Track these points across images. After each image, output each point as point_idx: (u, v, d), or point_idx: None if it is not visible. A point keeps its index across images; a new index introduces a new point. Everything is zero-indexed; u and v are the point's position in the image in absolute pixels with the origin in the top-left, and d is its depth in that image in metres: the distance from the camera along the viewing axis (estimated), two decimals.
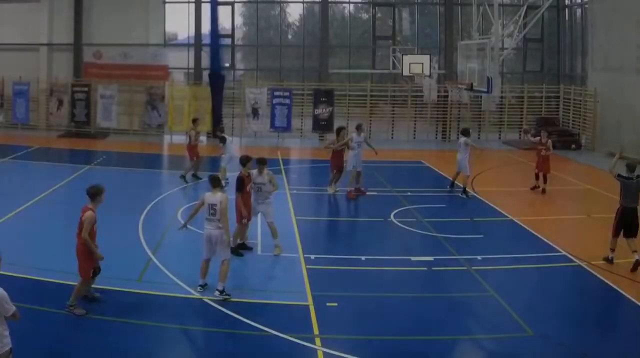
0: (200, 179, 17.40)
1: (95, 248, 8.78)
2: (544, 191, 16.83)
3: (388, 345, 8.06)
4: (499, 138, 27.72)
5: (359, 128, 16.70)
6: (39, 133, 26.72)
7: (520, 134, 27.06)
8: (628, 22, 22.53)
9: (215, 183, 9.56)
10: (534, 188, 17.03)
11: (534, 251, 11.72)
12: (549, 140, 17.14)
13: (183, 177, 17.58)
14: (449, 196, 16.42)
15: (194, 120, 18.85)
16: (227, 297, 9.12)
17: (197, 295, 9.31)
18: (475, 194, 16.40)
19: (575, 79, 28.03)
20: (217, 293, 9.16)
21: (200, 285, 9.44)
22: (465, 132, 16.81)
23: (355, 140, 16.29)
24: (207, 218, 9.39)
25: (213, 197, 9.38)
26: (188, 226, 9.96)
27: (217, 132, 18.76)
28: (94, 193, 9.13)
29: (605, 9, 24.28)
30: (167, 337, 8.20)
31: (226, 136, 17.92)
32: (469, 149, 16.50)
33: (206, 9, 27.03)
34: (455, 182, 16.83)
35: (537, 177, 17.06)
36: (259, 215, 11.63)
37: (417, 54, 26.62)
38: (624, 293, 9.62)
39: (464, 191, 16.21)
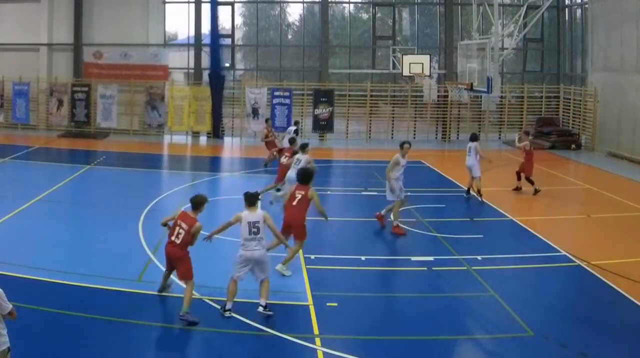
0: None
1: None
2: (518, 189, 16.69)
3: (388, 345, 8.06)
4: (499, 138, 27.73)
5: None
6: (39, 133, 26.73)
7: (519, 136, 27.05)
8: (628, 22, 22.53)
9: (253, 200, 8.88)
10: (517, 189, 16.91)
11: (534, 251, 11.72)
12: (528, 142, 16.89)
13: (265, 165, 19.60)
14: (449, 196, 16.41)
15: (267, 120, 21.65)
16: (269, 313, 8.57)
17: (197, 295, 9.30)
18: (476, 195, 16.40)
19: (575, 79, 28.03)
20: (260, 308, 8.59)
21: (228, 309, 8.68)
22: (474, 138, 16.40)
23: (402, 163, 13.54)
24: (247, 238, 8.65)
25: (253, 215, 8.73)
26: (207, 241, 9.24)
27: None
28: (199, 203, 8.89)
29: (605, 9, 24.28)
30: (167, 337, 8.20)
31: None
32: (478, 153, 16.10)
33: (206, 9, 27.07)
34: (471, 189, 16.16)
35: (519, 178, 16.91)
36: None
37: (417, 54, 26.62)
38: (624, 293, 9.62)
39: (468, 191, 16.15)
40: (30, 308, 8.18)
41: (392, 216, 12.94)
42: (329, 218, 11.17)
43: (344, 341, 8.12)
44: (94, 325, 8.21)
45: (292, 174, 13.10)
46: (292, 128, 20.04)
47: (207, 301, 9.12)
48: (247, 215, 8.70)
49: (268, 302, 8.67)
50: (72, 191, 16.62)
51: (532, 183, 16.54)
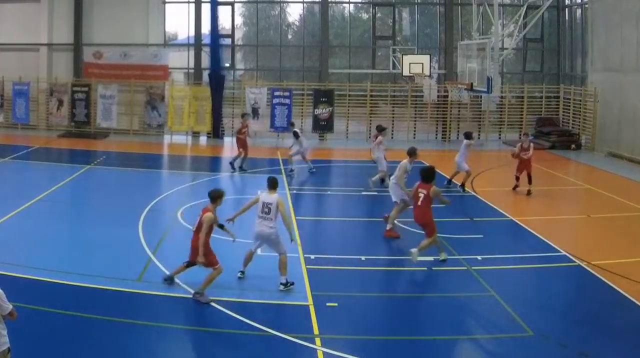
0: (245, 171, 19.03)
1: (209, 248, 9.26)
2: (529, 192, 16.61)
3: (388, 345, 8.06)
4: (499, 138, 27.73)
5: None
6: (39, 133, 26.73)
7: (520, 136, 27.05)
8: (628, 22, 22.53)
9: (274, 184, 9.81)
10: (515, 188, 16.95)
11: (534, 251, 11.72)
12: (531, 144, 16.97)
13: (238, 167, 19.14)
14: (449, 196, 16.36)
15: (243, 115, 20.78)
16: (291, 286, 9.53)
17: None
18: (475, 194, 16.41)
19: (575, 79, 28.03)
20: (281, 287, 9.51)
21: (240, 271, 9.98)
22: (467, 136, 17.16)
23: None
24: (259, 215, 9.67)
25: (269, 196, 9.67)
26: (230, 223, 9.83)
27: (290, 127, 20.41)
28: (216, 196, 9.37)
29: (605, 9, 24.28)
30: (167, 337, 8.20)
31: (298, 131, 19.48)
32: (468, 150, 16.80)
33: (206, 9, 27.07)
34: (452, 180, 17.20)
35: (517, 179, 16.97)
36: None
37: (417, 54, 26.61)
38: (624, 293, 9.62)
39: (463, 187, 16.60)
40: (30, 308, 8.19)
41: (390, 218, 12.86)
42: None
43: (344, 341, 8.12)
44: (94, 325, 8.21)
45: None
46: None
47: None
48: (264, 196, 9.70)
49: (268, 301, 8.72)
50: (72, 191, 16.62)
51: (530, 181, 16.71)
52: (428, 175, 11.30)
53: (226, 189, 15.27)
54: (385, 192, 16.73)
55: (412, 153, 13.15)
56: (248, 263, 10.06)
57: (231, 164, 19.41)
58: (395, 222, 13.66)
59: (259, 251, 10.12)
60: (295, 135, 19.12)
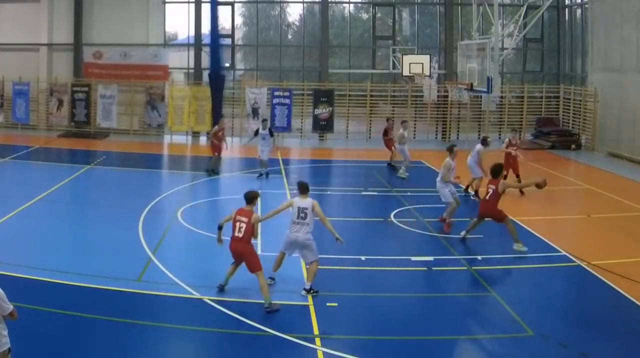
0: (218, 174, 18.55)
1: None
2: (522, 192, 16.57)
3: (388, 345, 8.06)
4: (499, 138, 27.70)
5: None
6: (39, 133, 26.73)
7: (520, 135, 27.04)
8: (628, 22, 22.53)
9: (305, 188, 9.67)
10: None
11: (534, 251, 11.71)
12: (518, 141, 17.00)
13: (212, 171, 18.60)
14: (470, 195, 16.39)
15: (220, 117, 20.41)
16: (315, 293, 9.41)
17: (197, 295, 9.31)
18: (476, 196, 16.42)
19: (575, 79, 28.03)
20: (304, 292, 9.41)
21: (270, 278, 9.68)
22: (483, 142, 16.37)
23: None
24: (295, 221, 9.52)
25: (303, 201, 9.53)
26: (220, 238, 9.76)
27: (263, 124, 19.36)
28: (252, 197, 9.48)
29: (605, 9, 24.28)
30: (167, 337, 8.19)
31: (272, 130, 19.31)
32: (479, 156, 16.10)
33: (206, 9, 27.04)
34: (469, 188, 16.51)
35: (505, 177, 16.92)
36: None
37: (417, 54, 26.61)
38: (624, 293, 9.62)
39: (466, 189, 16.26)
40: (30, 308, 8.18)
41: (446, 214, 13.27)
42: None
43: (344, 341, 8.12)
44: (94, 325, 8.21)
45: None
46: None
47: (207, 301, 9.12)
48: (299, 201, 9.54)
49: (272, 301, 8.72)
50: (72, 191, 16.62)
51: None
52: (497, 171, 12.07)
53: (224, 190, 15.36)
54: (387, 192, 16.76)
55: (451, 150, 13.68)
56: (279, 267, 9.89)
57: (208, 170, 18.75)
58: (395, 221, 13.69)
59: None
60: (271, 133, 18.65)
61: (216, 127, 19.16)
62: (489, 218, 12.01)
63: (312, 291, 9.43)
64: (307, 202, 9.54)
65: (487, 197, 11.90)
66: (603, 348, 7.91)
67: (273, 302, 8.87)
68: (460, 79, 24.44)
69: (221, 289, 9.44)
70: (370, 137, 26.99)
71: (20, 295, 7.38)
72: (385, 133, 20.85)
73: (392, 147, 19.97)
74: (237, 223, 9.19)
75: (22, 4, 27.61)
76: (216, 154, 18.78)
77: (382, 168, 19.73)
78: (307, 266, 9.75)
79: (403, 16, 30.77)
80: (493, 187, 11.84)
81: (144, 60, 27.28)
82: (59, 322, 8.27)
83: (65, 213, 14.31)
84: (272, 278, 9.77)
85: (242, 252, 9.20)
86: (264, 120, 19.46)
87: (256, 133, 18.89)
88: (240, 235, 9.15)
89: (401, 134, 19.09)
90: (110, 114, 27.02)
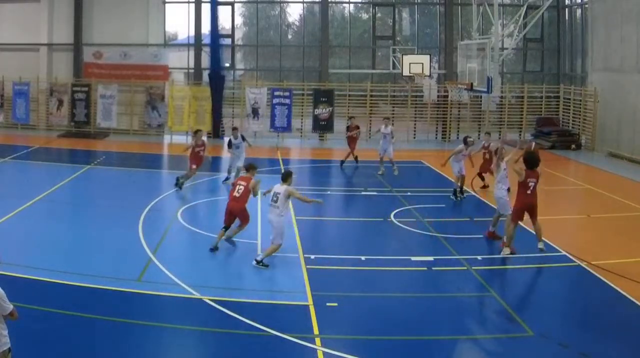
0: (180, 188, 16.23)
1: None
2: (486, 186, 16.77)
3: (388, 345, 8.05)
4: (499, 138, 27.67)
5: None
6: (39, 133, 26.73)
7: (520, 136, 27.03)
8: (628, 22, 22.53)
9: (284, 176, 10.96)
10: (483, 187, 16.96)
11: (534, 251, 11.71)
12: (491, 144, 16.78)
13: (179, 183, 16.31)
14: (449, 196, 16.40)
15: (196, 132, 17.28)
16: (265, 266, 10.49)
17: (197, 295, 9.31)
18: (476, 194, 16.43)
19: (575, 79, 28.03)
20: (254, 262, 10.56)
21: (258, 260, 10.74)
22: (465, 142, 16.30)
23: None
24: (270, 204, 10.82)
25: (279, 187, 10.73)
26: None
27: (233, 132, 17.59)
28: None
29: (605, 9, 24.28)
30: (167, 337, 8.20)
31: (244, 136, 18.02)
32: (460, 155, 16.09)
33: (206, 9, 27.06)
34: (464, 187, 16.37)
35: (482, 178, 17.07)
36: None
37: (417, 54, 26.60)
38: (624, 293, 9.62)
39: (455, 192, 16.04)
40: (30, 308, 8.17)
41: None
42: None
43: (344, 341, 8.12)
44: (94, 325, 8.21)
45: None
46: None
47: (207, 301, 9.12)
48: (277, 187, 10.81)
49: (268, 301, 8.76)
50: (72, 191, 16.62)
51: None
52: (534, 161, 11.22)
53: (224, 190, 15.31)
54: (387, 192, 16.76)
55: (465, 141, 15.47)
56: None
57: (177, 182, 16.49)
58: (395, 221, 13.70)
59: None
60: (243, 138, 17.45)
61: (192, 142, 16.84)
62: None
63: (261, 263, 10.52)
64: (282, 188, 10.69)
65: (530, 192, 11.09)
66: (603, 348, 7.91)
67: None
68: (460, 79, 24.41)
69: (214, 249, 11.23)
70: (370, 137, 26.95)
71: (20, 295, 7.37)
72: (348, 130, 20.96)
73: (353, 146, 20.21)
74: (237, 186, 11.36)
75: (22, 4, 27.60)
76: (193, 166, 16.42)
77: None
78: (270, 244, 10.78)
79: (403, 16, 30.77)
80: (534, 180, 11.13)
81: (144, 60, 27.28)
82: (59, 322, 8.27)
83: (65, 213, 14.31)
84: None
85: (237, 210, 11.37)
86: (234, 129, 17.69)
87: (230, 145, 17.35)
88: (238, 195, 11.33)
89: (379, 128, 19.46)
90: (110, 114, 27.02)
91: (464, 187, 16.25)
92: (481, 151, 17.02)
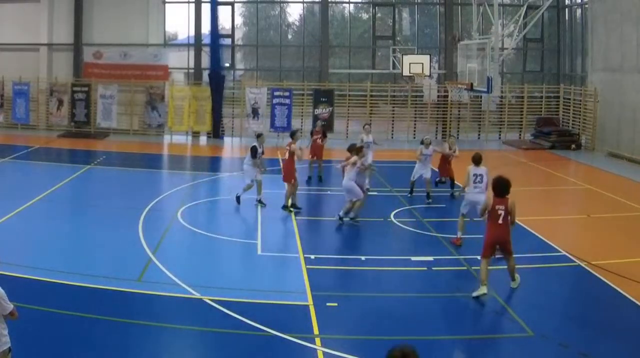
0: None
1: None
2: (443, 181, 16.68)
3: (388, 345, 7.96)
4: (499, 138, 27.73)
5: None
6: (39, 133, 26.73)
7: (519, 136, 27.03)
8: (628, 22, 22.53)
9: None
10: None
11: (534, 251, 11.71)
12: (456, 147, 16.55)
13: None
14: (449, 196, 16.41)
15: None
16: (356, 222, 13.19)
17: (197, 295, 9.31)
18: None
19: (575, 79, 28.03)
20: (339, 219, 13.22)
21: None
22: (422, 142, 16.14)
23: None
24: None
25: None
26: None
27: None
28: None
29: (605, 9, 24.28)
30: (167, 337, 8.20)
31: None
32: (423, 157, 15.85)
33: (206, 9, 27.07)
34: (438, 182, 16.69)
35: (442, 182, 16.97)
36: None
37: (417, 54, 26.62)
38: (624, 293, 9.61)
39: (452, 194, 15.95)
40: (30, 308, 8.17)
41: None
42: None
43: (344, 341, 8.11)
44: (94, 325, 8.20)
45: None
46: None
47: (207, 301, 9.12)
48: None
49: (268, 301, 8.79)
50: (72, 191, 16.62)
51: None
52: (503, 188, 9.34)
53: (225, 190, 15.32)
54: (387, 192, 16.75)
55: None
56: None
57: None
58: (395, 221, 13.69)
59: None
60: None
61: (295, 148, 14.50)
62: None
63: (351, 219, 13.19)
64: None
65: (500, 221, 9.31)
66: (603, 348, 7.91)
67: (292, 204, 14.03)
68: (460, 79, 24.44)
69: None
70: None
71: (20, 295, 7.36)
72: (311, 135, 18.71)
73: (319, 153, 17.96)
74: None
75: (22, 4, 27.61)
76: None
77: (382, 168, 19.70)
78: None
79: (403, 16, 30.78)
80: (503, 207, 9.30)
81: (144, 60, 27.29)
82: (59, 322, 8.27)
83: (65, 214, 14.31)
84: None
85: (284, 168, 14.56)
86: (259, 136, 15.25)
87: (255, 154, 14.74)
88: (285, 158, 14.34)
89: (360, 137, 16.88)
90: (110, 114, 27.03)
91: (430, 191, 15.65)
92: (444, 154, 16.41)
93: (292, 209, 14.05)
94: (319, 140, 18.22)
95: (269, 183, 17.35)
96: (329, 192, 17.01)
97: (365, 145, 15.91)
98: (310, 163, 18.51)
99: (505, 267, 9.96)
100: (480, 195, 11.58)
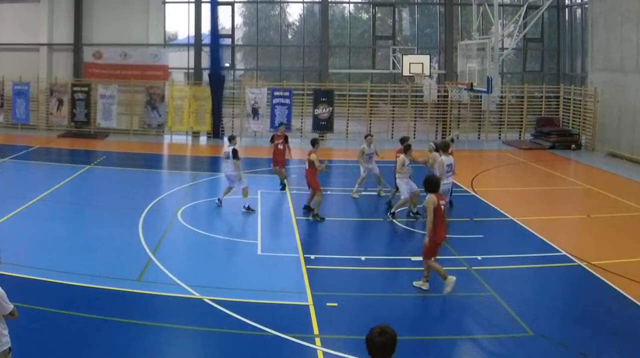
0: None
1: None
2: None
3: None
4: (499, 138, 27.73)
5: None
6: (39, 133, 26.73)
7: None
8: (628, 22, 22.53)
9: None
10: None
11: (534, 251, 11.72)
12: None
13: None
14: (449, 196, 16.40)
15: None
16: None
17: (197, 295, 9.31)
18: (476, 194, 16.42)
19: (575, 79, 28.03)
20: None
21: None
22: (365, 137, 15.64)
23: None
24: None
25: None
26: None
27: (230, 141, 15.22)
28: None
29: (605, 9, 24.28)
30: (167, 337, 8.20)
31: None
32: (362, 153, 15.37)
33: (206, 9, 27.07)
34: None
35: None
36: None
37: (417, 54, 26.62)
38: (624, 293, 9.62)
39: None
40: (30, 308, 8.17)
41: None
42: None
43: (344, 341, 8.11)
44: (94, 325, 8.21)
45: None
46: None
47: (207, 301, 9.12)
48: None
49: (268, 301, 8.80)
50: (72, 191, 16.62)
51: None
52: (435, 185, 9.67)
53: (224, 190, 15.31)
54: (387, 192, 16.75)
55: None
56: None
57: None
58: (395, 221, 13.70)
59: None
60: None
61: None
62: None
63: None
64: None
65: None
66: (603, 348, 7.91)
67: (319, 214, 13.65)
68: (460, 79, 24.45)
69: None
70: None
71: (20, 295, 7.36)
72: (272, 140, 17.30)
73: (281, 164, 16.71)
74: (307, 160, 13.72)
75: (22, 4, 27.62)
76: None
77: (382, 168, 19.71)
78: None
79: (403, 16, 30.78)
80: (443, 202, 9.70)
81: (144, 60, 27.30)
82: (59, 322, 8.27)
83: (65, 213, 14.31)
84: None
85: (306, 176, 14.21)
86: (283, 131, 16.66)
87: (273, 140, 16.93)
88: (306, 166, 14.21)
89: (362, 148, 15.92)
90: (110, 114, 27.03)
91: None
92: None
93: (319, 218, 13.64)
94: (280, 146, 16.65)
95: (269, 184, 17.39)
96: (328, 192, 17.00)
97: (366, 156, 15.81)
98: (272, 172, 17.44)
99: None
100: (449, 185, 12.79)
